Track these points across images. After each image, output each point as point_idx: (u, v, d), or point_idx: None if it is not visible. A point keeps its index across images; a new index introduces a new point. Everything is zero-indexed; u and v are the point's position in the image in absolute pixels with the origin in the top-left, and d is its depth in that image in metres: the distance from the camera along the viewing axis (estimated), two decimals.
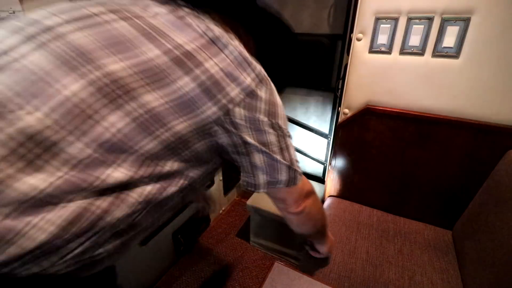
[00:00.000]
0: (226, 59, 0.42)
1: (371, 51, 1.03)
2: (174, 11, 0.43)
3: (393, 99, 1.06)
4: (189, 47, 0.39)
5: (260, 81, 0.45)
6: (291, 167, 0.50)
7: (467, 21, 0.87)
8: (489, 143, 0.95)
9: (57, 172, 0.33)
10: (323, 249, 0.74)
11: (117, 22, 0.39)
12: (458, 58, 0.92)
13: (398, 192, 1.18)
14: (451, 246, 1.01)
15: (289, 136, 0.51)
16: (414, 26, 0.94)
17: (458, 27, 0.88)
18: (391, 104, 1.07)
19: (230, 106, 0.42)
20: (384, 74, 1.04)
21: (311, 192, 0.59)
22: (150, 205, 0.41)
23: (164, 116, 0.38)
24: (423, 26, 0.93)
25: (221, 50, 0.42)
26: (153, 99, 0.37)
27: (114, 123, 0.35)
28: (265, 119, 0.45)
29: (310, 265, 0.92)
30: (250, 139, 0.45)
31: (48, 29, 0.37)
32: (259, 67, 0.45)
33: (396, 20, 0.96)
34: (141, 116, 0.36)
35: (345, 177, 1.27)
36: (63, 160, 0.33)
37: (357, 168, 1.22)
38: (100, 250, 0.39)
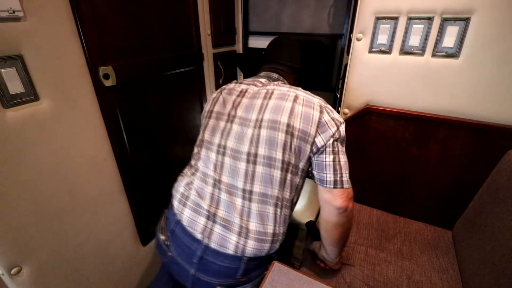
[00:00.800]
0: (302, 96, 0.75)
1: (371, 51, 1.04)
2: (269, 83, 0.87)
3: (393, 99, 1.06)
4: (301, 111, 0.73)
5: (319, 99, 0.76)
6: (337, 170, 0.71)
7: (467, 21, 0.87)
8: (489, 143, 0.95)
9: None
10: (332, 264, 0.88)
11: (272, 91, 0.78)
12: (458, 58, 0.92)
13: (398, 192, 1.18)
14: (451, 246, 1.01)
15: (343, 141, 0.75)
16: (414, 26, 0.94)
17: (458, 27, 0.88)
18: (391, 104, 1.08)
19: (317, 120, 0.71)
20: (384, 74, 1.04)
21: (352, 199, 0.74)
22: (300, 188, 0.80)
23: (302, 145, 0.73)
24: (423, 26, 0.93)
25: (297, 97, 0.75)
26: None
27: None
28: (329, 117, 0.72)
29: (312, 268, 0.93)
30: (318, 138, 0.71)
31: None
32: (317, 98, 0.77)
33: (396, 20, 0.96)
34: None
35: None
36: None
37: (357, 168, 1.22)
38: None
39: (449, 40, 0.91)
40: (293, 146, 0.72)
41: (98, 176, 0.87)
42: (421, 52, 0.96)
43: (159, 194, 1.16)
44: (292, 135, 0.71)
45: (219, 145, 0.79)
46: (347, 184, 0.72)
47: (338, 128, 0.72)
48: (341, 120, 0.74)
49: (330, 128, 0.71)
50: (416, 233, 1.07)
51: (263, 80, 0.86)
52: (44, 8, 0.65)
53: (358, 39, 1.04)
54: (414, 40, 0.95)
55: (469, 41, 0.89)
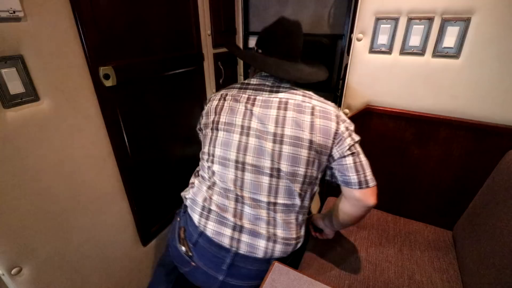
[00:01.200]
0: (318, 106, 0.74)
1: (371, 51, 1.03)
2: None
3: (393, 99, 1.06)
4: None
5: (334, 107, 0.76)
6: (359, 171, 0.73)
7: (467, 21, 0.87)
8: (489, 143, 0.95)
9: None
10: (329, 234, 0.98)
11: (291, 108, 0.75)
12: (458, 58, 0.92)
13: (398, 192, 1.18)
14: (451, 246, 1.01)
15: (358, 142, 0.75)
16: (415, 26, 0.94)
17: (458, 27, 0.88)
18: (391, 104, 1.08)
19: (334, 132, 0.72)
20: (384, 74, 1.04)
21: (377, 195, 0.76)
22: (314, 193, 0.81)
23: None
24: (423, 26, 0.93)
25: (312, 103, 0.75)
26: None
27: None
28: (344, 127, 0.73)
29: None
30: (334, 150, 0.73)
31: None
32: (331, 105, 0.77)
33: (396, 20, 0.96)
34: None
35: None
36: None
37: None
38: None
39: (449, 40, 0.91)
40: (315, 161, 0.73)
41: (98, 176, 0.87)
42: (421, 52, 0.96)
43: (160, 194, 1.16)
44: (315, 150, 0.72)
45: (236, 161, 0.75)
46: (372, 182, 0.74)
47: (351, 136, 0.74)
48: (353, 127, 0.76)
49: (345, 139, 0.73)
50: (416, 233, 1.07)
51: (269, 82, 0.80)
52: (44, 8, 0.65)
53: (359, 39, 1.04)
54: (415, 40, 0.95)
55: (470, 41, 0.89)
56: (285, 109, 0.73)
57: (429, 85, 0.99)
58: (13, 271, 0.69)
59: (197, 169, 0.94)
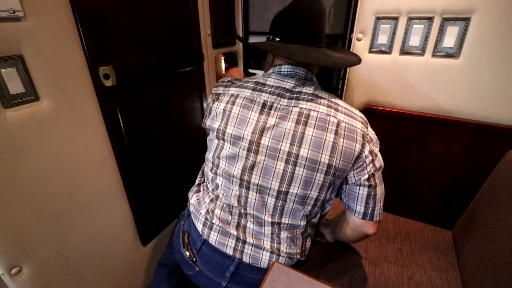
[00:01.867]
0: (344, 123, 0.64)
1: (371, 51, 1.04)
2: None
3: (393, 99, 1.06)
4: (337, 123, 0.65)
5: (361, 122, 0.66)
6: (369, 204, 0.67)
7: (467, 21, 0.87)
8: (489, 143, 0.95)
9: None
10: (330, 240, 0.96)
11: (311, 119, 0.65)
12: (458, 58, 0.92)
13: (398, 192, 1.18)
14: (451, 246, 1.01)
15: (380, 170, 0.67)
16: (414, 26, 0.94)
17: (458, 27, 0.89)
18: (391, 104, 1.07)
19: (356, 155, 0.63)
20: (384, 74, 1.04)
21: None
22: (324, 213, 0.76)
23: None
24: (423, 26, 0.93)
25: (336, 111, 0.65)
26: None
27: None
28: (368, 151, 0.64)
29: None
30: (350, 174, 0.66)
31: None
32: (359, 119, 0.66)
33: (396, 20, 0.96)
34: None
35: None
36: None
37: None
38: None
39: (449, 40, 0.91)
40: (331, 185, 0.68)
41: (98, 176, 0.87)
42: (421, 52, 0.96)
43: (160, 194, 1.16)
44: (333, 175, 0.65)
45: (241, 179, 0.70)
46: (377, 217, 0.69)
47: (373, 162, 0.64)
48: (377, 149, 0.66)
49: (366, 166, 0.64)
50: (416, 233, 1.07)
51: (288, 85, 0.68)
52: (44, 8, 0.65)
53: (358, 39, 1.04)
54: (414, 40, 0.95)
55: (469, 41, 0.89)
56: (305, 124, 0.63)
57: (429, 85, 0.99)
58: (13, 271, 0.69)
59: (203, 167, 0.92)
